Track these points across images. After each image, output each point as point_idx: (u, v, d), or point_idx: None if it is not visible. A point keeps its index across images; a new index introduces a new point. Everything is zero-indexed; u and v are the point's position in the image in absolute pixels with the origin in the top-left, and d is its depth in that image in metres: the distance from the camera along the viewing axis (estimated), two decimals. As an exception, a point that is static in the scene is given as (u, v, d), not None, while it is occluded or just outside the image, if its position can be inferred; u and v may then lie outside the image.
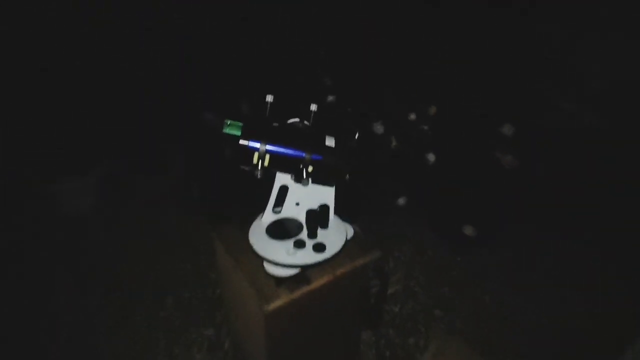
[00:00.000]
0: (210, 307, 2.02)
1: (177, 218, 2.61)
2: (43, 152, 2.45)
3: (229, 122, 1.04)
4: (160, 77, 2.61)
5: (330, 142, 1.02)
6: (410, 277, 2.11)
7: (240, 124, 1.02)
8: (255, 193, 1.30)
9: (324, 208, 1.24)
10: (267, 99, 1.03)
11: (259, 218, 1.32)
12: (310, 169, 1.00)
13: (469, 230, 2.12)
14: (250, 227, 1.28)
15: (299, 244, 1.17)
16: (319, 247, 1.17)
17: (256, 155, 0.97)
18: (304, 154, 0.99)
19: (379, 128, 2.10)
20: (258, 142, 0.96)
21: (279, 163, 1.02)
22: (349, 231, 1.30)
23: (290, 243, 1.18)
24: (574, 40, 1.98)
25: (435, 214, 2.43)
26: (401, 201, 2.17)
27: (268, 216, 1.29)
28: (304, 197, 1.26)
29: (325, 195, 1.26)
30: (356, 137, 1.06)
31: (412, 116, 1.89)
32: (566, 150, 2.06)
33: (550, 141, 2.03)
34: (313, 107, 1.06)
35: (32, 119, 2.47)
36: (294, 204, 1.28)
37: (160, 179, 2.88)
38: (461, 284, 2.20)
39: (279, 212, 1.30)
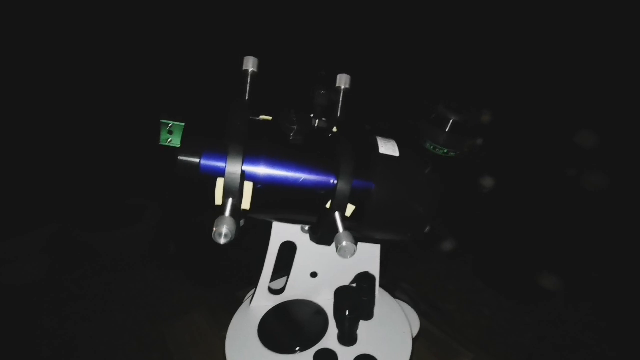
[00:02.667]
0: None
1: (148, 280, 1.99)
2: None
3: (170, 124, 0.49)
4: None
5: (388, 147, 0.46)
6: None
7: (182, 124, 0.47)
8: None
9: (367, 283, 0.66)
10: (246, 66, 0.48)
11: (246, 302, 0.75)
12: (349, 211, 0.43)
13: (549, 283, 1.52)
14: (230, 320, 0.70)
15: (326, 363, 0.58)
16: (367, 368, 0.58)
17: (221, 184, 0.40)
18: (331, 180, 0.43)
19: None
20: (220, 157, 0.40)
21: (277, 203, 0.44)
22: (414, 321, 0.71)
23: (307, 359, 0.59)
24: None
25: (489, 258, 1.83)
26: (447, 246, 1.60)
27: (262, 299, 0.71)
28: (326, 261, 0.69)
29: (363, 255, 0.69)
30: (448, 127, 0.49)
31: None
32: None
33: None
34: (343, 79, 0.51)
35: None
36: (308, 275, 0.70)
37: (128, 232, 2.28)
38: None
39: (282, 291, 0.72)
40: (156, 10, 1.91)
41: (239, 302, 0.82)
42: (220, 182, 0.40)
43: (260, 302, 0.72)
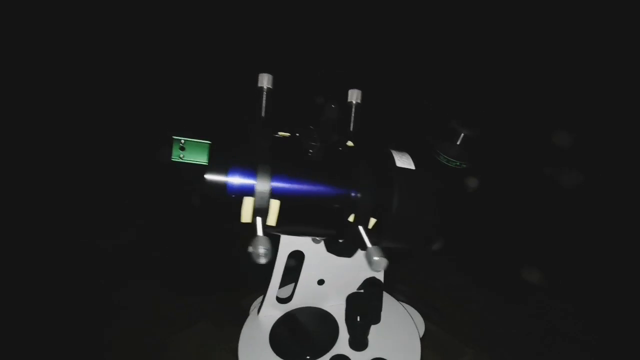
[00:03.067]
0: None
1: (140, 291, 1.90)
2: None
3: (182, 140, 0.50)
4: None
5: (404, 160, 0.48)
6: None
7: (207, 142, 0.48)
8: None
9: (375, 288, 0.68)
10: (261, 83, 0.49)
11: (253, 311, 0.75)
12: (370, 224, 0.44)
13: (532, 276, 1.59)
14: (240, 331, 0.71)
15: (340, 369, 0.60)
16: (380, 372, 0.60)
17: (249, 203, 0.41)
18: (353, 194, 0.44)
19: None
20: (249, 174, 0.41)
21: (300, 218, 0.46)
22: (418, 323, 0.74)
23: (321, 367, 0.61)
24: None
25: (477, 255, 1.89)
26: (437, 246, 1.64)
27: (270, 307, 0.72)
28: (332, 268, 0.70)
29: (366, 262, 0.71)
30: (459, 141, 0.52)
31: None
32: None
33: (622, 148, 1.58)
34: (354, 94, 0.52)
35: None
36: (315, 283, 0.71)
37: (111, 242, 2.19)
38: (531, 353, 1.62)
39: (289, 299, 0.73)
40: (161, 18, 1.87)
41: (243, 311, 0.83)
42: (248, 201, 0.41)
43: (269, 311, 0.72)
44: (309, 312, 0.72)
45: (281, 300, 0.73)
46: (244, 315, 0.81)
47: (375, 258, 0.38)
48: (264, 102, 0.49)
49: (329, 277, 0.71)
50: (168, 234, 2.06)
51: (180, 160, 0.53)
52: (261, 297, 0.81)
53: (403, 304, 0.77)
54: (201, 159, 0.51)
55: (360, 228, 0.42)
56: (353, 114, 0.52)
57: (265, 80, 0.49)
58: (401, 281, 1.69)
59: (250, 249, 0.36)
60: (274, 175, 0.41)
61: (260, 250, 0.35)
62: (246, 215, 0.42)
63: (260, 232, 0.38)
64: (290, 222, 0.44)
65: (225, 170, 0.41)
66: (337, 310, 0.71)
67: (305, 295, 0.72)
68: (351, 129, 0.52)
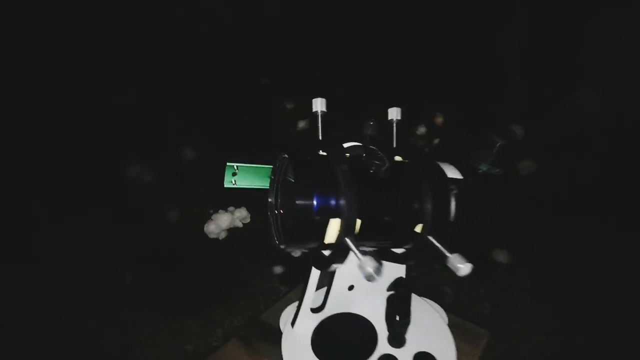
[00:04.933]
0: None
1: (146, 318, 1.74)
2: None
3: (236, 166, 0.51)
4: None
5: (451, 171, 0.53)
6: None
7: (268, 166, 0.50)
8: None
9: (404, 287, 0.73)
10: (315, 108, 0.51)
11: (286, 326, 0.76)
12: (419, 228, 0.49)
13: (501, 256, 1.75)
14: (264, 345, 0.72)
15: (389, 367, 0.64)
16: (426, 364, 0.64)
17: (335, 224, 0.43)
18: (417, 205, 0.48)
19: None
20: (336, 197, 0.43)
21: (376, 233, 0.49)
22: (442, 314, 0.80)
23: (370, 368, 0.64)
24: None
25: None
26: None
27: (305, 320, 0.74)
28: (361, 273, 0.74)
29: (392, 263, 0.75)
30: (495, 148, 0.58)
31: (422, 129, 1.47)
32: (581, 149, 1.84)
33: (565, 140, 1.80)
34: (394, 112, 0.56)
35: None
36: (346, 289, 0.75)
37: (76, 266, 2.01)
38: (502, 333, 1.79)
39: (322, 308, 0.75)
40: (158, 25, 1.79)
41: (265, 326, 0.83)
42: (335, 222, 0.43)
43: (304, 322, 0.74)
44: (344, 318, 0.75)
45: (314, 310, 0.75)
46: (271, 331, 0.81)
47: (460, 265, 0.42)
48: (320, 125, 0.51)
49: (358, 282, 0.75)
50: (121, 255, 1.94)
51: (234, 186, 0.53)
52: (287, 310, 0.82)
53: (424, 298, 0.83)
54: (260, 183, 0.52)
55: (431, 238, 0.46)
56: (395, 130, 0.56)
57: (318, 105, 0.51)
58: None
59: (360, 270, 0.38)
60: (358, 196, 0.44)
61: (371, 270, 0.38)
62: (331, 236, 0.44)
63: (358, 253, 0.41)
64: (367, 237, 0.47)
65: (311, 194, 0.42)
66: (369, 312, 0.75)
67: (337, 301, 0.75)
68: (394, 144, 0.56)
